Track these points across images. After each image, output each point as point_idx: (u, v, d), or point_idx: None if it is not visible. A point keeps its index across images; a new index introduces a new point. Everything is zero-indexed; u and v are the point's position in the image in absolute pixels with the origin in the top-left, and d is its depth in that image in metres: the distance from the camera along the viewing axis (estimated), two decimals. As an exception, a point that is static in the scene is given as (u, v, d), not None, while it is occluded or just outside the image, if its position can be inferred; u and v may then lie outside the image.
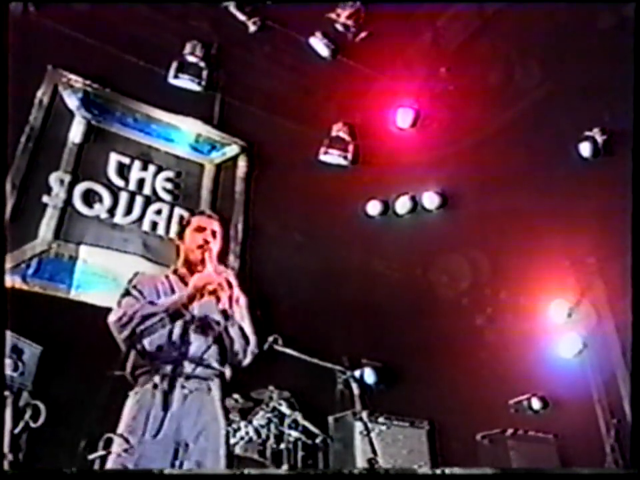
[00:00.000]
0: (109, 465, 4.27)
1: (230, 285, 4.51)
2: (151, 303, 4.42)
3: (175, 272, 4.71)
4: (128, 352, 4.36)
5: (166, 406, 4.24)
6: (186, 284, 4.61)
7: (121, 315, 4.35)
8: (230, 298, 4.49)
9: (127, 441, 4.14)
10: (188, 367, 4.37)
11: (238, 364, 4.57)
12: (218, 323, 4.56)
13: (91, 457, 4.41)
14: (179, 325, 4.45)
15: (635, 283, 4.30)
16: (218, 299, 4.47)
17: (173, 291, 4.61)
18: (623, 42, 5.47)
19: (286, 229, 6.36)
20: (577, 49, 6.06)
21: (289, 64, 6.80)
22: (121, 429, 4.27)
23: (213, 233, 4.72)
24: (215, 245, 4.73)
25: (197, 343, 4.43)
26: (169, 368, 4.32)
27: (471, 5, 6.68)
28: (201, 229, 4.74)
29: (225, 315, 4.51)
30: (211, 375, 4.39)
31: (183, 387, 4.32)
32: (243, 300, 4.59)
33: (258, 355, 4.82)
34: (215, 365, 4.44)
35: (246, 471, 4.04)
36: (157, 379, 4.29)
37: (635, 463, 4.12)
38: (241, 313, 4.58)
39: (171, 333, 4.40)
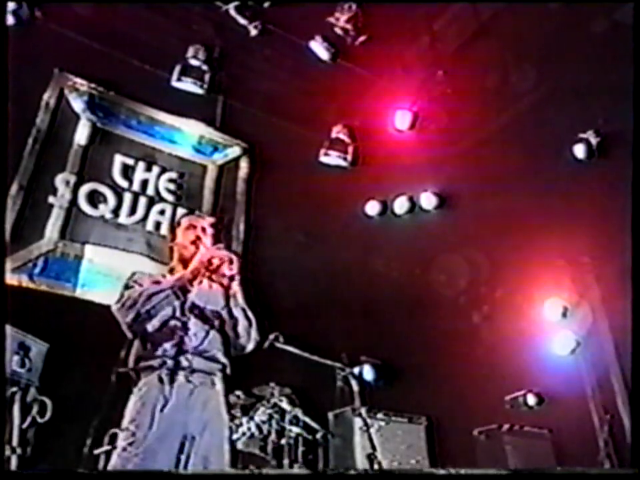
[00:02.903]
0: (115, 458, 4.36)
1: (231, 262, 4.64)
2: (156, 283, 4.53)
3: (171, 271, 4.82)
4: (133, 340, 4.45)
5: (172, 400, 4.32)
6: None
7: (125, 300, 4.46)
8: (232, 275, 4.63)
9: (133, 434, 4.23)
10: (193, 360, 4.46)
11: (242, 350, 4.65)
12: (216, 313, 4.65)
13: (96, 451, 4.52)
14: (179, 310, 4.55)
15: (635, 283, 4.36)
16: (219, 279, 4.59)
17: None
18: (617, 46, 5.57)
19: (287, 228, 6.43)
20: (571, 52, 6.16)
21: (289, 67, 6.87)
22: (126, 422, 4.35)
23: (203, 230, 4.87)
24: (207, 240, 4.86)
25: (194, 330, 4.52)
26: (172, 362, 4.40)
27: (468, 8, 6.79)
28: (191, 227, 4.88)
29: (228, 294, 4.63)
30: (215, 370, 4.47)
31: (188, 380, 4.41)
32: (239, 288, 4.72)
33: (259, 352, 4.92)
34: (219, 356, 4.51)
35: (247, 471, 4.15)
36: (162, 372, 4.38)
37: (634, 462, 4.19)
38: (239, 297, 4.70)
39: (172, 316, 4.48)
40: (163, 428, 4.29)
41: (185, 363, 4.45)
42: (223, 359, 4.52)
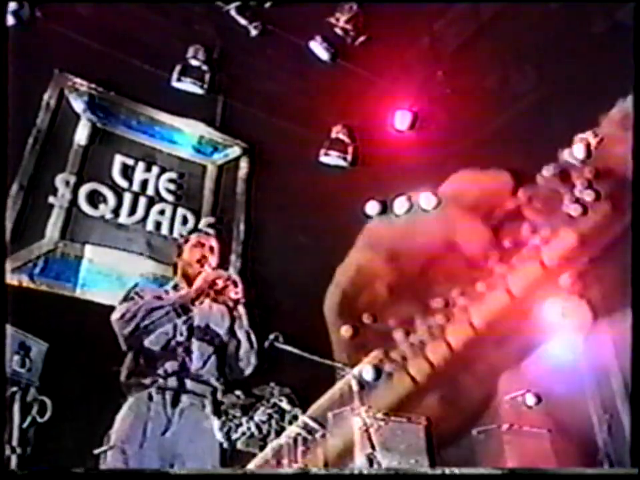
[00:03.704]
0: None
1: (236, 285, 4.63)
2: (158, 298, 4.52)
3: (175, 287, 4.81)
4: (128, 352, 4.43)
5: (162, 419, 4.30)
6: None
7: (124, 312, 4.44)
8: (237, 299, 4.61)
9: (122, 451, 4.20)
10: (185, 381, 4.43)
11: (240, 373, 4.64)
12: (218, 335, 4.62)
13: (96, 451, 4.53)
14: (180, 329, 4.52)
15: (635, 283, 4.36)
16: (224, 300, 4.57)
17: None
18: (617, 46, 5.58)
19: (287, 228, 6.45)
20: (571, 52, 6.17)
21: (289, 67, 6.89)
22: (114, 440, 4.32)
23: (211, 249, 4.85)
24: (213, 260, 4.84)
25: (197, 353, 4.50)
26: (165, 381, 4.38)
27: (468, 8, 6.80)
28: (199, 245, 4.86)
29: (232, 315, 4.61)
30: (207, 392, 4.46)
31: (179, 401, 4.39)
32: (244, 311, 4.71)
33: (259, 352, 4.92)
34: (212, 380, 4.49)
35: (245, 471, 4.15)
36: (152, 390, 4.35)
37: (634, 462, 4.20)
38: (244, 319, 4.69)
39: (173, 336, 4.47)
40: (153, 447, 4.25)
41: (177, 384, 4.42)
42: (215, 383, 4.50)
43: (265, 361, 4.79)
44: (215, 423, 4.44)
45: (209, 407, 4.48)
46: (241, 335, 4.67)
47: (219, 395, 4.53)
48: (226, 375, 4.61)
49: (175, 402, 4.34)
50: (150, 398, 4.34)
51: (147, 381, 4.40)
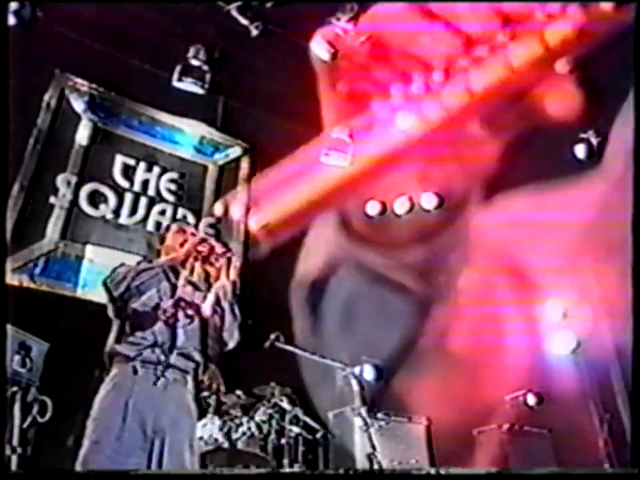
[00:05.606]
0: (86, 450, 4.36)
1: (221, 247, 4.72)
2: (148, 262, 4.60)
3: None
4: (115, 319, 4.47)
5: (146, 394, 4.35)
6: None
7: (115, 275, 4.51)
8: (223, 252, 4.71)
9: (105, 426, 4.24)
10: (169, 355, 4.50)
11: (224, 345, 4.69)
12: (200, 308, 4.69)
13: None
14: (165, 297, 4.59)
15: (636, 283, 4.37)
16: (211, 263, 4.66)
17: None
18: (617, 46, 5.58)
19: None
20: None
21: (290, 67, 6.90)
22: (96, 413, 4.36)
23: (192, 234, 4.95)
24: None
25: (181, 322, 4.56)
26: (147, 354, 4.44)
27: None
28: (181, 231, 4.97)
29: (216, 292, 4.68)
30: (189, 368, 4.52)
31: (163, 375, 4.44)
32: (227, 282, 4.78)
33: (259, 352, 4.94)
34: (195, 354, 4.55)
35: (245, 471, 4.18)
36: (137, 364, 4.40)
37: (634, 462, 4.21)
38: (228, 290, 4.76)
39: (159, 303, 4.52)
40: (135, 421, 4.31)
41: (161, 357, 4.49)
42: (198, 358, 4.56)
43: (247, 339, 4.82)
44: (192, 404, 4.50)
45: (191, 382, 4.53)
46: (225, 305, 4.74)
47: (201, 371, 4.60)
48: (208, 347, 4.67)
49: (159, 377, 4.39)
50: (135, 372, 4.39)
51: (132, 353, 4.45)
